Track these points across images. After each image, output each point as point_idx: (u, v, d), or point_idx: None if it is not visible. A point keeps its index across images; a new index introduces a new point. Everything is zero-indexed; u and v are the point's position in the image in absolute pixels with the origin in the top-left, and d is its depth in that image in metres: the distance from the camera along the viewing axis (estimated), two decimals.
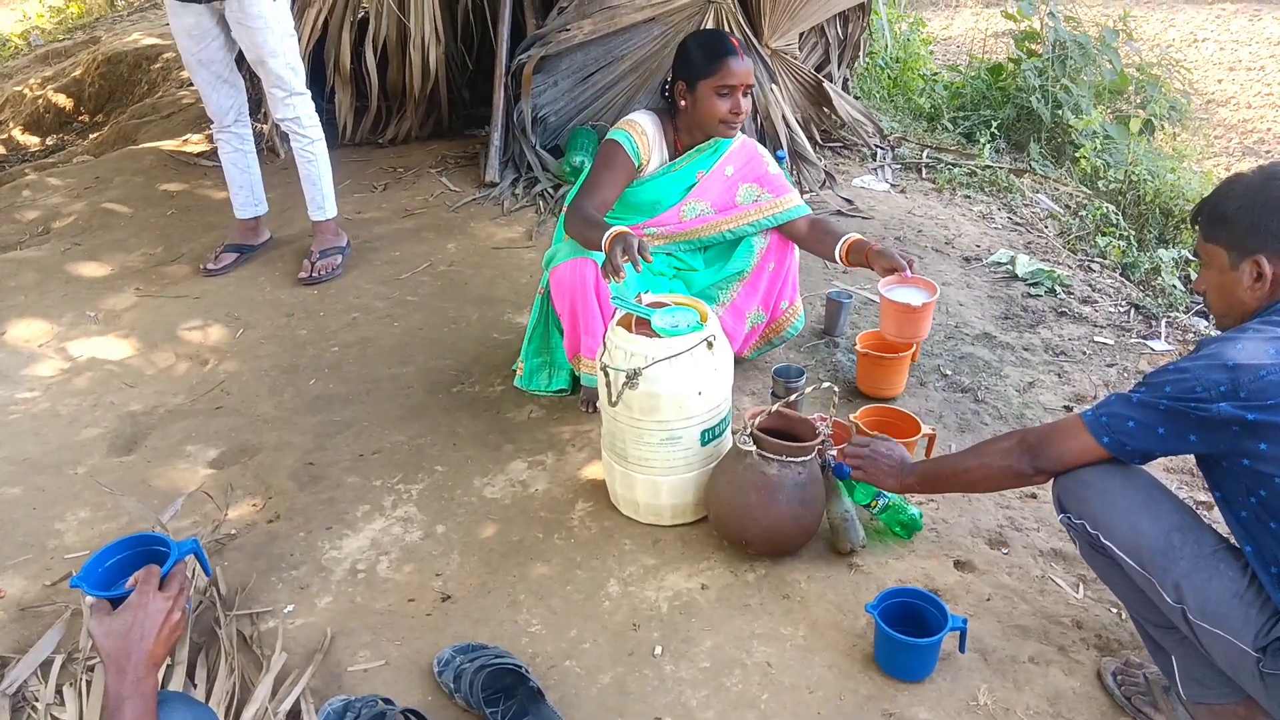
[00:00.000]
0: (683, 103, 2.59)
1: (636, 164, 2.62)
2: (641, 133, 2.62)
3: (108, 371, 3.08)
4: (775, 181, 2.76)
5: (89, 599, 1.66)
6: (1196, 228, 1.72)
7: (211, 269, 3.65)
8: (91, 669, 1.93)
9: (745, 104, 2.57)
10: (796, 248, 2.81)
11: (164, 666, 1.60)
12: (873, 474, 2.07)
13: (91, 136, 6.02)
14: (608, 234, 2.34)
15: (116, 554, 1.76)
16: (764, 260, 2.78)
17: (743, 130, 2.74)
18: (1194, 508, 1.75)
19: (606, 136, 2.64)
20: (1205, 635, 1.58)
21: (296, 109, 3.47)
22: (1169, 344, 3.31)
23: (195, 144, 5.01)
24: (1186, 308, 3.69)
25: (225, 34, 3.37)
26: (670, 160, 2.70)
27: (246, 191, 3.71)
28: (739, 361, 2.94)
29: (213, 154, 5.04)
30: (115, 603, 1.52)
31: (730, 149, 2.71)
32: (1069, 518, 1.75)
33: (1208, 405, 1.51)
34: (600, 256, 2.49)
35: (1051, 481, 1.78)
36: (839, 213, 4.26)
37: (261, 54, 3.31)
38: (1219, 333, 1.65)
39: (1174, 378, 1.56)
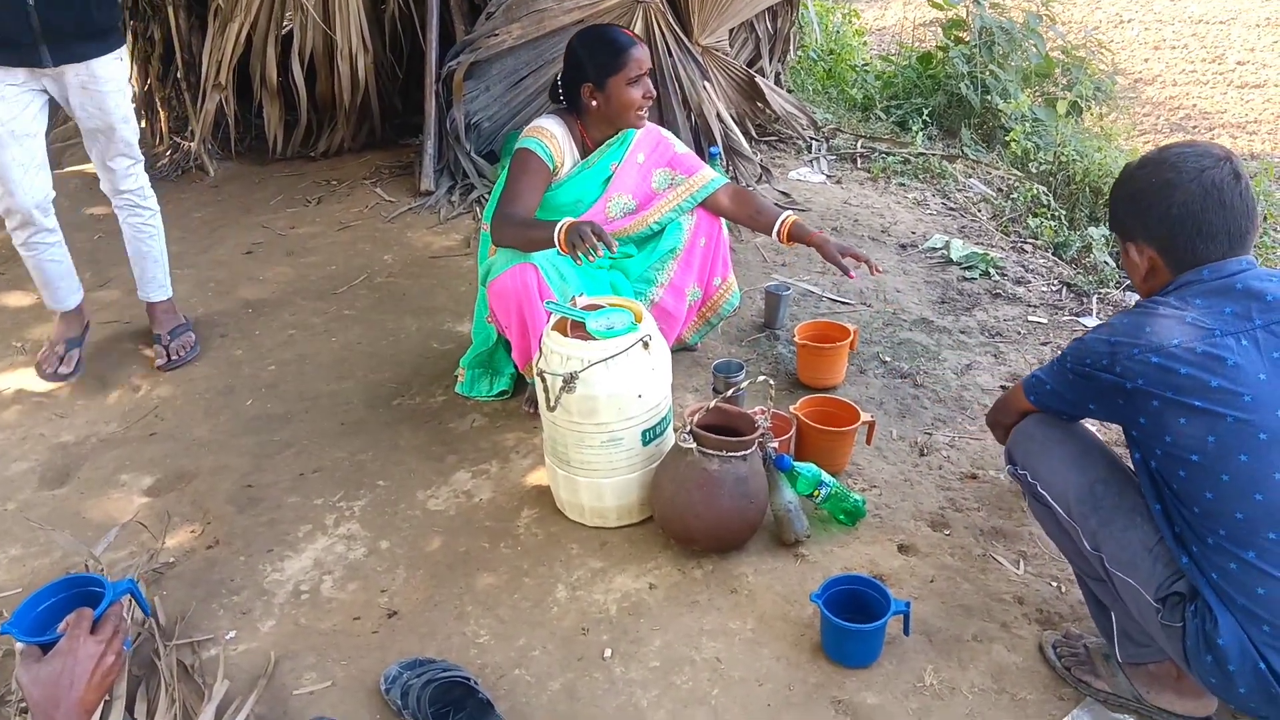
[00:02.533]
0: (594, 103, 2.60)
1: (551, 168, 2.63)
2: (551, 137, 2.62)
3: (36, 403, 3.00)
4: (685, 161, 2.81)
5: (19, 645, 1.61)
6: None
7: (65, 372, 3.06)
8: (25, 710, 1.87)
9: (650, 86, 2.63)
10: (724, 222, 2.84)
11: (99, 709, 1.56)
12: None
13: None
14: (560, 227, 2.36)
15: (50, 597, 1.72)
16: (694, 236, 2.81)
17: (663, 123, 2.78)
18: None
19: (517, 145, 2.64)
20: (1120, 585, 1.66)
21: (139, 179, 3.05)
22: (1100, 319, 3.38)
23: None
24: (1117, 283, 3.77)
25: (45, 102, 2.83)
26: (583, 159, 2.70)
27: (68, 280, 3.09)
28: (680, 355, 2.95)
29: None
30: (46, 648, 1.49)
31: (637, 137, 2.74)
32: (1014, 468, 1.86)
33: (1096, 374, 1.61)
34: (545, 256, 2.49)
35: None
36: (776, 206, 4.28)
37: (112, 120, 2.86)
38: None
39: (1075, 346, 1.66)
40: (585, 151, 2.72)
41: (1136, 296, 3.53)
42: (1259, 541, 1.47)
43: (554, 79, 2.71)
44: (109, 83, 2.81)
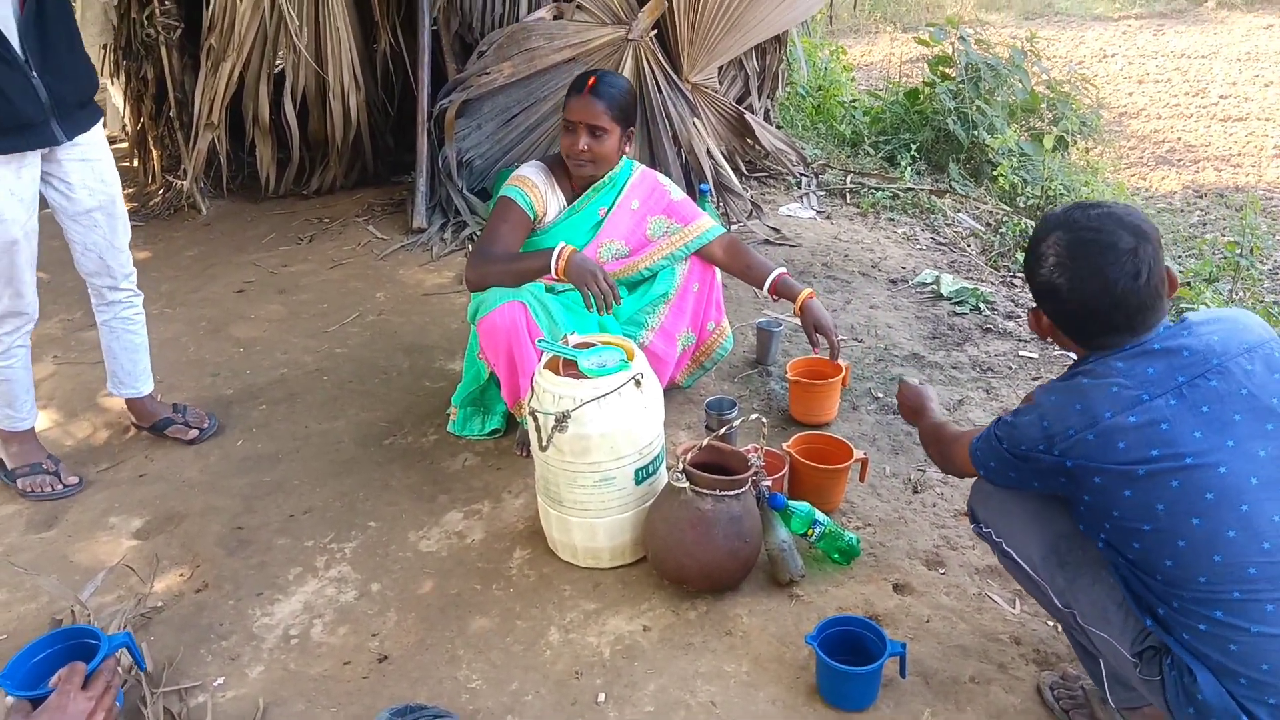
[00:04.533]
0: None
1: (531, 216, 2.65)
2: (531, 185, 2.64)
3: None
4: (682, 209, 2.81)
5: (9, 699, 1.59)
6: None
7: (74, 481, 2.73)
8: None
9: (586, 143, 2.57)
10: (718, 269, 2.85)
11: None
12: (900, 402, 2.17)
13: None
14: (559, 252, 2.40)
15: (45, 649, 1.69)
16: (687, 281, 2.81)
17: (655, 164, 2.78)
18: None
19: (499, 194, 2.65)
20: (1097, 639, 1.64)
21: (129, 263, 2.76)
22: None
23: None
24: None
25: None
26: (569, 204, 2.71)
27: (31, 389, 2.72)
28: (672, 392, 2.95)
29: (133, 213, 4.97)
30: (36, 703, 1.47)
31: (630, 182, 2.74)
32: (979, 526, 1.84)
33: (1034, 456, 1.58)
34: (534, 294, 2.50)
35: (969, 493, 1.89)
36: (767, 242, 4.31)
37: (113, 191, 2.62)
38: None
39: (1007, 430, 1.63)
40: (571, 195, 2.73)
41: None
42: (1224, 600, 1.45)
43: None
44: (102, 149, 2.60)
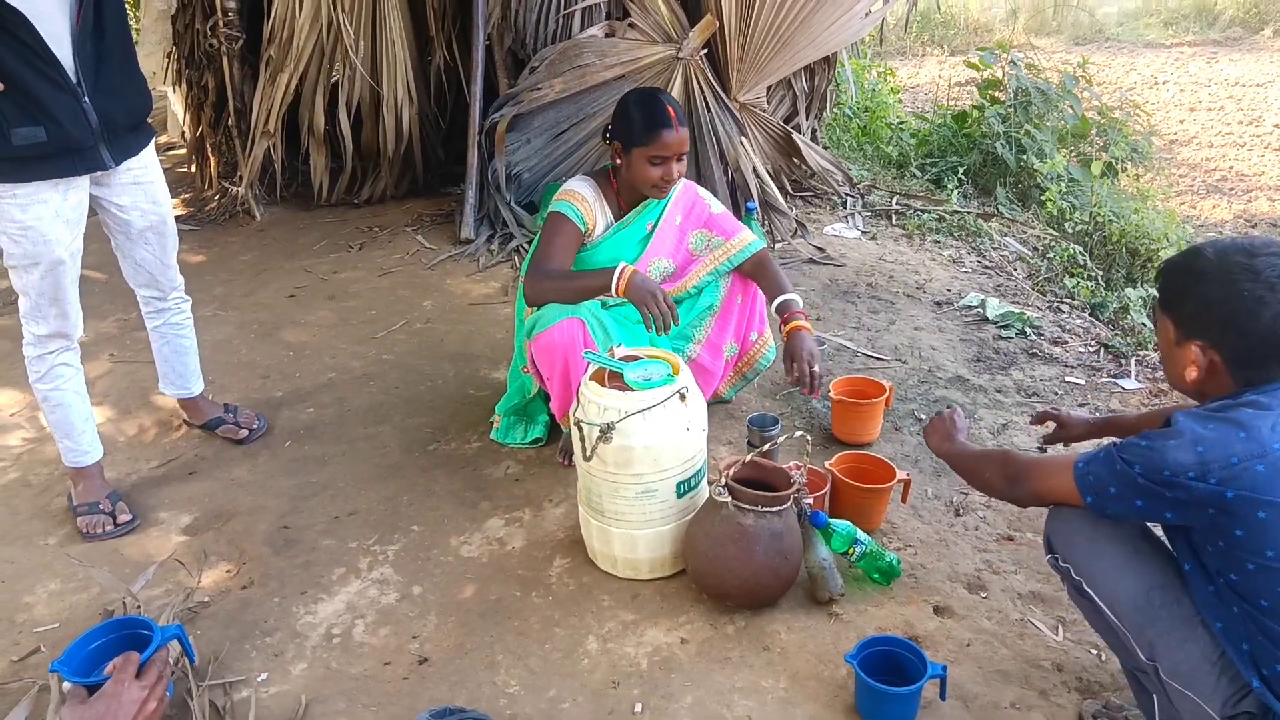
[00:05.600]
0: (618, 161, 2.64)
1: (583, 229, 2.67)
2: (582, 200, 2.66)
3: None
4: (722, 223, 2.83)
5: (65, 685, 1.64)
6: (1157, 286, 1.68)
7: (126, 519, 2.63)
8: None
9: (679, 168, 2.60)
10: None
11: None
12: (929, 431, 2.14)
13: None
14: (620, 273, 2.43)
15: (100, 638, 1.74)
16: (732, 293, 2.84)
17: (702, 182, 2.79)
18: None
19: (551, 209, 2.67)
20: (1175, 694, 1.58)
21: (178, 276, 2.81)
22: (1139, 382, 3.35)
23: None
24: (1155, 345, 3.74)
25: None
26: (616, 220, 2.74)
27: (91, 422, 2.68)
28: (714, 408, 2.96)
29: (189, 217, 5.11)
30: (92, 690, 1.51)
31: (674, 197, 2.77)
32: (1056, 559, 1.76)
33: (1183, 484, 1.48)
34: (591, 309, 2.52)
35: (1045, 520, 1.80)
36: (811, 260, 4.31)
37: (164, 211, 2.64)
38: (1192, 407, 1.61)
39: (1144, 455, 1.53)
40: (619, 211, 2.74)
41: None
42: None
43: (608, 121, 2.73)
44: (154, 171, 2.60)
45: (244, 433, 2.99)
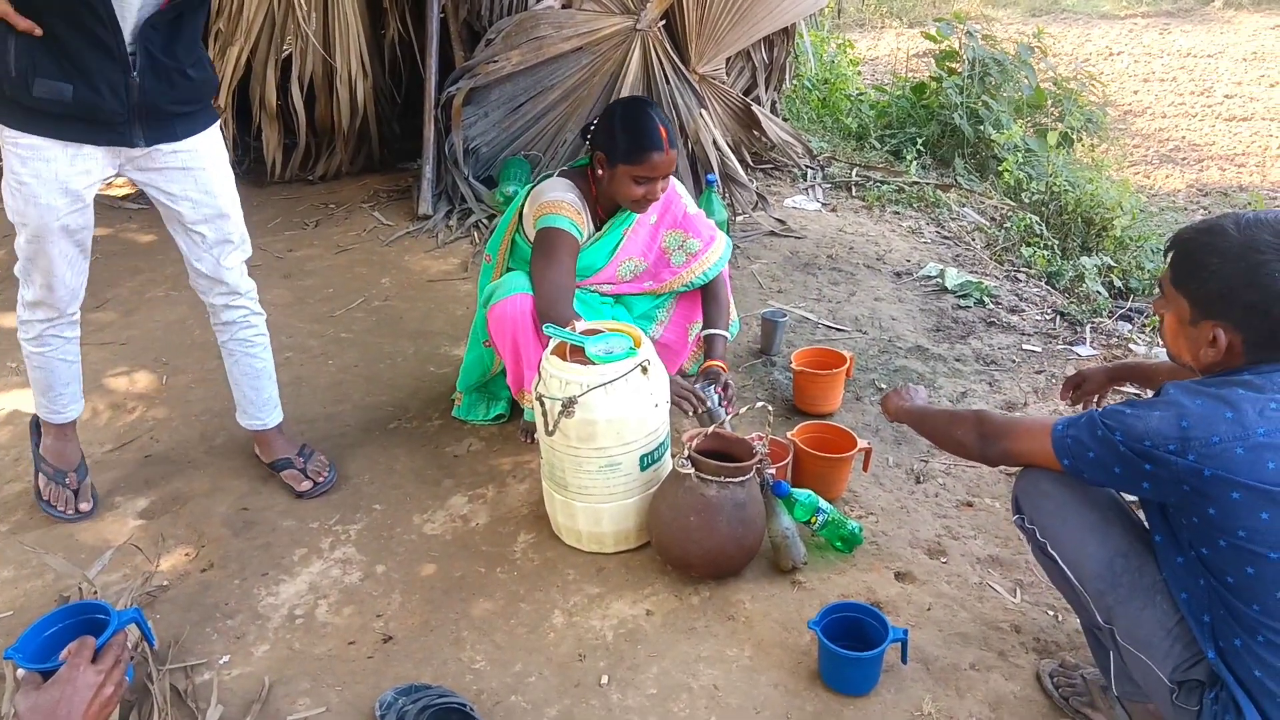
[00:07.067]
0: (600, 171, 2.56)
1: (579, 240, 2.58)
2: (575, 212, 2.56)
3: (29, 424, 2.98)
4: (695, 224, 2.76)
5: (20, 671, 1.61)
6: (1166, 259, 1.62)
7: (87, 509, 2.54)
8: None
9: (662, 185, 2.54)
10: (726, 254, 2.84)
11: None
12: (886, 399, 2.17)
13: None
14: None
15: (56, 623, 1.71)
16: None
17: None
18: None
19: (548, 223, 2.53)
20: (1129, 656, 1.61)
21: (249, 279, 2.52)
22: (1094, 349, 3.41)
23: (118, 187, 4.91)
24: (1110, 313, 3.80)
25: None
26: (595, 230, 2.67)
27: (75, 385, 2.53)
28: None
29: (138, 196, 4.98)
30: (47, 676, 1.48)
31: None
32: (1022, 519, 1.76)
33: (1161, 456, 1.47)
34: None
35: (1014, 480, 1.80)
36: (772, 233, 4.32)
37: (222, 205, 2.36)
38: (1183, 381, 1.57)
39: (1127, 423, 1.51)
40: (595, 216, 2.67)
41: (1127, 327, 3.59)
42: None
43: (590, 119, 2.66)
44: (211, 158, 2.32)
45: (307, 484, 2.61)
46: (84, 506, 2.55)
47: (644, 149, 2.46)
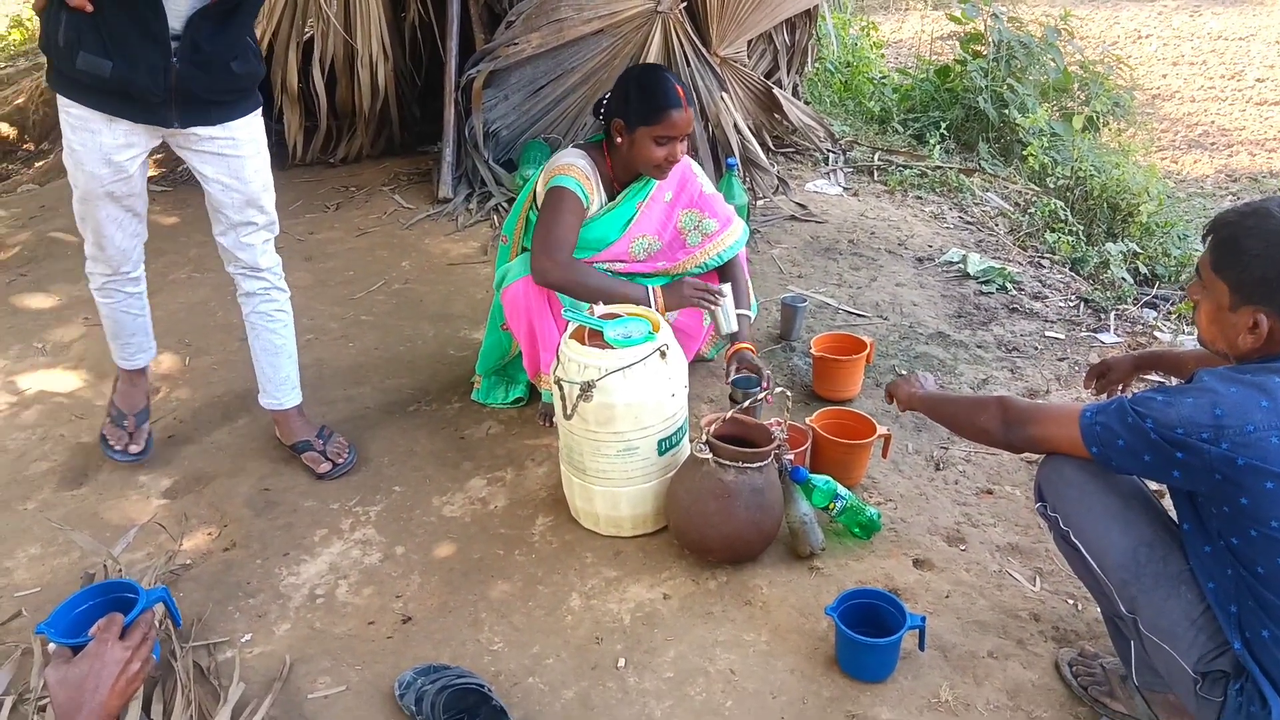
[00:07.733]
0: (619, 139, 2.56)
1: (585, 205, 2.59)
2: (585, 177, 2.57)
3: (57, 404, 3.02)
4: (712, 204, 2.76)
5: (51, 646, 1.65)
6: (1205, 243, 1.60)
7: (136, 451, 2.66)
8: (43, 709, 1.89)
9: (682, 148, 2.55)
10: (743, 237, 2.83)
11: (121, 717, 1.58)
12: (896, 386, 2.16)
13: (36, 165, 5.92)
14: (651, 299, 2.50)
15: (86, 601, 1.75)
16: None
17: (691, 145, 2.74)
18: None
19: (553, 184, 2.56)
20: (1152, 646, 1.60)
21: (275, 254, 2.56)
22: (1118, 336, 3.37)
23: None
24: (1135, 300, 3.76)
25: (147, 157, 2.38)
26: (609, 198, 2.67)
27: (142, 336, 2.65)
28: (696, 366, 2.96)
29: (162, 178, 5.02)
30: (76, 651, 1.51)
31: None
32: (1045, 507, 1.75)
33: (1194, 445, 1.45)
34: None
35: (1037, 468, 1.78)
36: (793, 218, 4.29)
37: (251, 190, 2.40)
38: (1215, 368, 1.55)
39: (1159, 410, 1.49)
40: (610, 189, 2.67)
41: (1153, 315, 3.55)
42: None
43: (600, 96, 2.66)
44: (248, 145, 2.36)
45: (326, 466, 2.64)
46: (134, 449, 2.67)
47: (662, 107, 2.48)
